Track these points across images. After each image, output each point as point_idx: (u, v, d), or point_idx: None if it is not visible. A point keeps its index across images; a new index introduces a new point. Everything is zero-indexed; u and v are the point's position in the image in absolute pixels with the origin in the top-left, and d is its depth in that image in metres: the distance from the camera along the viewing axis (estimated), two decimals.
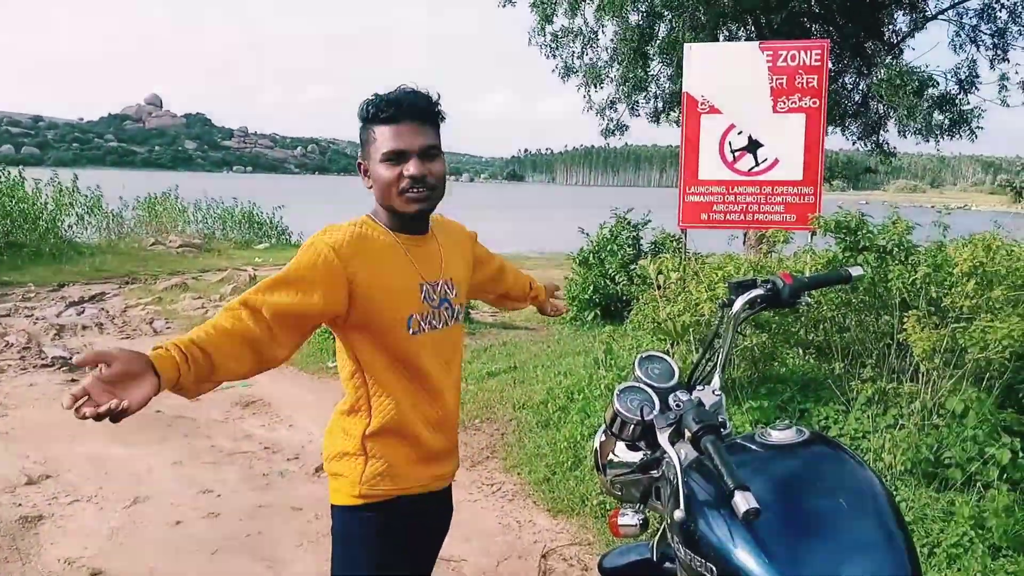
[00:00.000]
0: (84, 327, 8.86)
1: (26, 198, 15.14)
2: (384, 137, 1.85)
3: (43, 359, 7.26)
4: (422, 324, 1.93)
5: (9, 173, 15.47)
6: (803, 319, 4.90)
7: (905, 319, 4.12)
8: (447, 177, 1.96)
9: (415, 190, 1.86)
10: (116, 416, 1.44)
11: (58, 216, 16.10)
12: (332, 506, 2.00)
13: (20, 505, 4.21)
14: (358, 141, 1.95)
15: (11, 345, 7.71)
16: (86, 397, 1.43)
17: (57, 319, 9.22)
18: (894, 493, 3.65)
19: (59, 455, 4.93)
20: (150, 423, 5.60)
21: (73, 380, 6.67)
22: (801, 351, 5.20)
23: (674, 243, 5.95)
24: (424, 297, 1.93)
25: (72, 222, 16.90)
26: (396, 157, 1.84)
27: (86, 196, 17.36)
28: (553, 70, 13.34)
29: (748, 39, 11.79)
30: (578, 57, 13.19)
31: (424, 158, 1.86)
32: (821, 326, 4.94)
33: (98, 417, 1.43)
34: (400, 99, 1.85)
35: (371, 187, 1.92)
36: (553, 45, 13.19)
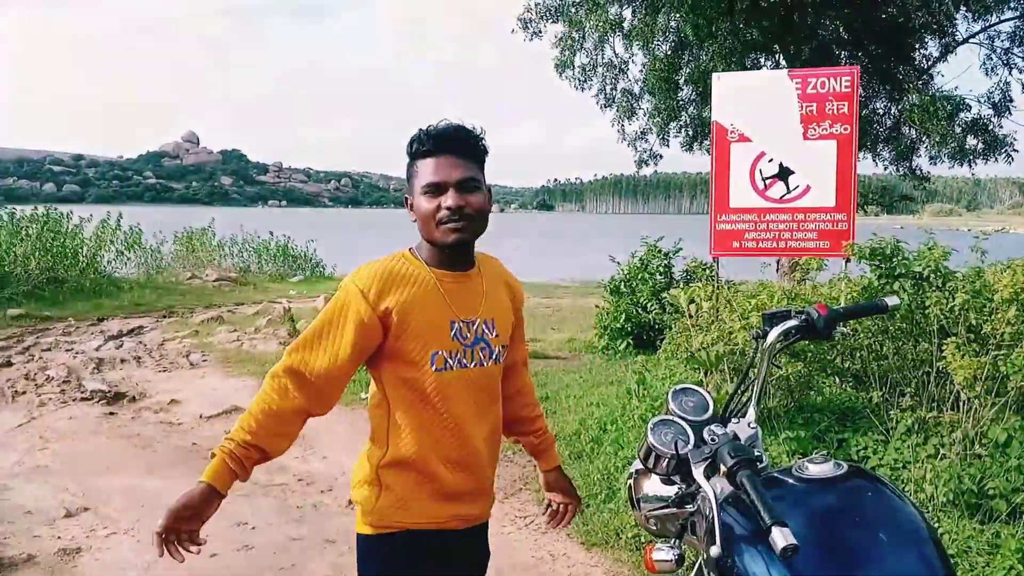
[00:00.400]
0: (123, 360, 9.00)
1: (69, 234, 15.54)
2: (425, 170, 1.89)
3: (83, 392, 7.37)
4: (449, 362, 1.91)
5: (55, 211, 15.91)
6: (839, 347, 4.83)
7: (944, 346, 4.05)
8: (488, 211, 1.96)
9: (453, 221, 1.86)
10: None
11: (98, 252, 16.48)
12: (357, 535, 2.00)
13: (59, 538, 4.26)
14: (404, 177, 1.99)
15: (52, 379, 7.85)
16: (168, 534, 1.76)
17: (96, 353, 9.38)
18: (936, 526, 3.56)
19: (97, 488, 4.99)
20: (185, 456, 5.66)
21: (112, 414, 6.77)
22: (838, 380, 5.12)
23: (706, 271, 5.91)
24: (455, 335, 1.91)
25: (112, 258, 17.29)
26: (435, 189, 1.87)
27: (126, 232, 17.77)
28: (594, 97, 13.42)
29: (776, 68, 11.79)
30: (611, 87, 13.27)
31: (462, 190, 1.87)
32: (858, 354, 4.87)
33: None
34: (440, 133, 1.89)
35: (415, 220, 1.94)
36: (582, 78, 13.28)
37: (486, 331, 1.98)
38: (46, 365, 8.50)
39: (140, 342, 10.22)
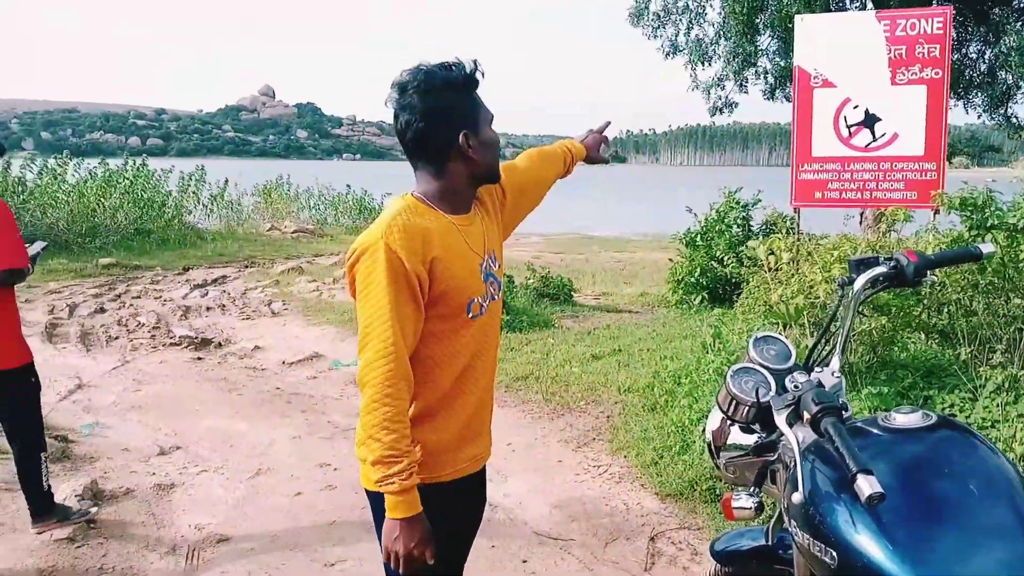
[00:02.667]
0: (208, 308, 9.34)
1: (155, 186, 16.13)
2: (480, 103, 1.88)
3: (172, 338, 7.70)
4: (483, 305, 1.89)
5: (135, 163, 16.50)
6: (925, 302, 4.67)
7: None
8: None
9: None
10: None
11: (182, 204, 17.07)
12: (365, 490, 1.89)
13: (154, 474, 4.50)
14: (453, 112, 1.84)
15: (143, 325, 8.22)
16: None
17: (183, 301, 9.76)
18: None
19: (188, 428, 5.23)
20: (270, 399, 5.88)
21: (199, 359, 7.06)
22: (923, 335, 4.97)
23: (786, 223, 5.78)
24: (482, 277, 1.90)
25: (195, 209, 17.90)
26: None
27: (208, 185, 18.35)
28: (657, 48, 13.08)
29: (862, 11, 11.25)
30: (684, 34, 12.88)
31: None
32: (945, 309, 4.71)
33: None
34: (474, 67, 1.85)
35: (472, 156, 1.84)
36: (655, 24, 12.93)
37: (491, 265, 1.95)
38: (137, 312, 8.89)
39: (224, 291, 10.58)
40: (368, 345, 1.72)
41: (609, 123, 2.56)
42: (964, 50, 12.04)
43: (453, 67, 1.81)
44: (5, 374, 3.57)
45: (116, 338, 7.74)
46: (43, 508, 3.69)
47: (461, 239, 1.86)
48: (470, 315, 1.86)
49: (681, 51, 12.95)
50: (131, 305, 9.32)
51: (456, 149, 1.83)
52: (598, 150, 2.48)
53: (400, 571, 1.76)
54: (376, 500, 1.89)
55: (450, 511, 1.91)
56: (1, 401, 3.62)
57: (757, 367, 1.65)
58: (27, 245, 3.68)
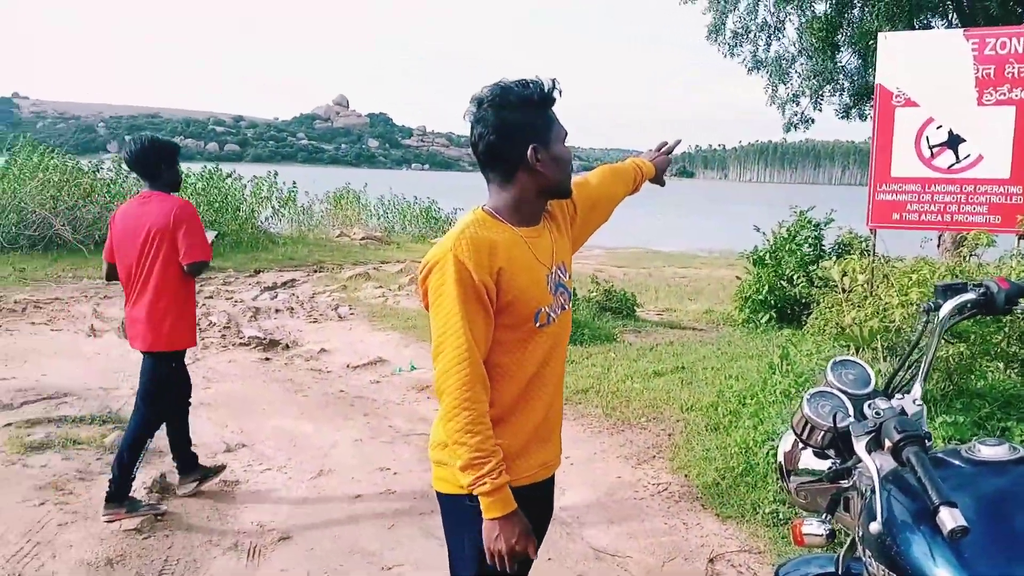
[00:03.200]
0: (277, 310, 9.56)
1: (230, 191, 16.62)
2: (556, 121, 1.93)
3: (241, 338, 7.89)
4: (551, 315, 1.94)
5: (212, 168, 17.05)
6: (1007, 330, 4.49)
7: None
8: None
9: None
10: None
11: (256, 208, 17.52)
12: (437, 493, 1.99)
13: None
14: (524, 127, 1.89)
15: (214, 324, 8.44)
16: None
17: (253, 302, 10.00)
18: None
19: (253, 427, 5.34)
20: (334, 402, 5.97)
21: (267, 359, 7.21)
22: (1003, 365, 4.77)
23: (861, 244, 5.62)
24: (550, 288, 1.94)
25: (267, 214, 18.36)
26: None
27: (281, 191, 18.82)
28: (741, 61, 12.95)
29: (949, 29, 10.93)
30: (763, 51, 12.73)
31: None
32: None
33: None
34: (552, 85, 1.90)
35: (542, 170, 1.89)
36: (732, 43, 12.81)
37: (561, 275, 2.00)
38: (208, 311, 9.13)
39: (293, 294, 10.81)
40: (442, 354, 1.80)
41: (679, 141, 2.62)
42: None
43: (530, 84, 1.87)
44: (176, 355, 4.05)
45: None
46: (119, 494, 3.87)
47: (528, 251, 1.91)
48: (538, 324, 1.90)
49: (763, 66, 12.79)
50: (203, 305, 9.58)
51: (525, 163, 1.88)
52: (664, 172, 2.54)
53: (506, 570, 1.82)
54: (450, 504, 1.96)
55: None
56: (158, 374, 4.00)
57: (835, 391, 1.60)
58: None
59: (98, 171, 14.91)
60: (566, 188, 2.00)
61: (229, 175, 17.21)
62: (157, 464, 4.60)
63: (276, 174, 18.93)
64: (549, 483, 2.10)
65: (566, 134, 1.95)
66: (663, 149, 2.54)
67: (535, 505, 2.01)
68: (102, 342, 7.55)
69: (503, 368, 1.89)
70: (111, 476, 3.88)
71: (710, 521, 4.02)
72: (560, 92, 1.92)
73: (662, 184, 2.58)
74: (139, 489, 4.10)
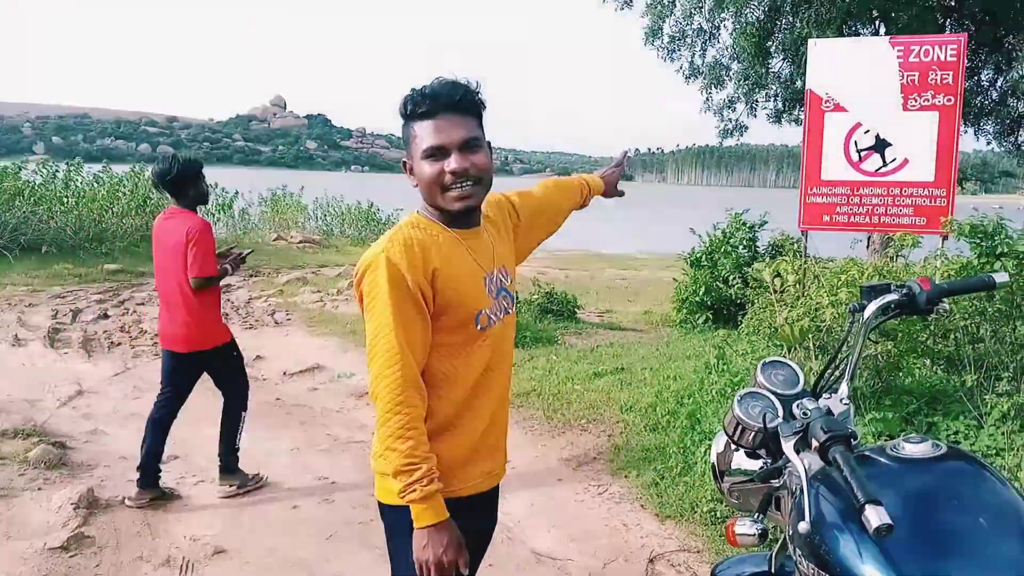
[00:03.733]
0: None
1: (161, 194, 16.16)
2: (424, 133, 1.80)
3: None
4: (491, 318, 1.90)
5: (144, 169, 16.57)
6: (932, 328, 4.64)
7: None
8: (492, 169, 1.91)
9: (458, 186, 1.80)
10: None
11: None
12: (379, 503, 1.94)
13: None
14: (403, 140, 1.90)
15: (145, 332, 8.21)
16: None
17: None
18: None
19: (187, 437, 5.18)
20: (270, 410, 5.85)
21: None
22: (929, 362, 4.93)
23: (793, 245, 5.76)
24: (488, 290, 1.90)
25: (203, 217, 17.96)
26: (437, 153, 1.79)
27: (219, 195, 18.40)
28: (678, 71, 13.12)
29: (875, 36, 11.27)
30: (699, 57, 12.94)
31: (465, 151, 1.80)
32: (952, 336, 4.67)
33: None
34: (437, 92, 1.80)
35: (416, 185, 1.87)
36: (671, 47, 12.99)
37: (503, 279, 1.97)
38: (140, 319, 8.88)
39: (228, 299, 10.56)
40: (375, 357, 1.77)
41: (627, 153, 2.65)
42: (976, 77, 12.06)
43: (409, 94, 1.83)
44: (214, 351, 4.34)
45: (118, 344, 7.73)
46: (231, 465, 4.37)
47: (465, 252, 1.87)
48: (479, 327, 1.87)
49: (700, 74, 12.99)
50: (135, 312, 9.31)
51: (410, 174, 1.88)
52: (616, 186, 2.55)
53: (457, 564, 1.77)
54: (391, 515, 1.92)
55: (462, 528, 1.88)
56: (214, 369, 4.43)
57: (765, 392, 1.62)
58: (236, 251, 4.79)
59: (20, 171, 14.33)
60: (439, 206, 1.85)
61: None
62: (84, 478, 4.45)
63: (216, 184, 18.54)
64: (493, 493, 2.07)
65: (438, 149, 1.79)
66: (613, 163, 2.57)
67: (477, 515, 1.99)
68: (26, 352, 7.27)
69: (445, 373, 1.86)
70: (219, 453, 4.39)
71: (650, 521, 4.05)
72: (422, 101, 1.80)
73: (621, 195, 2.59)
74: (65, 505, 3.95)
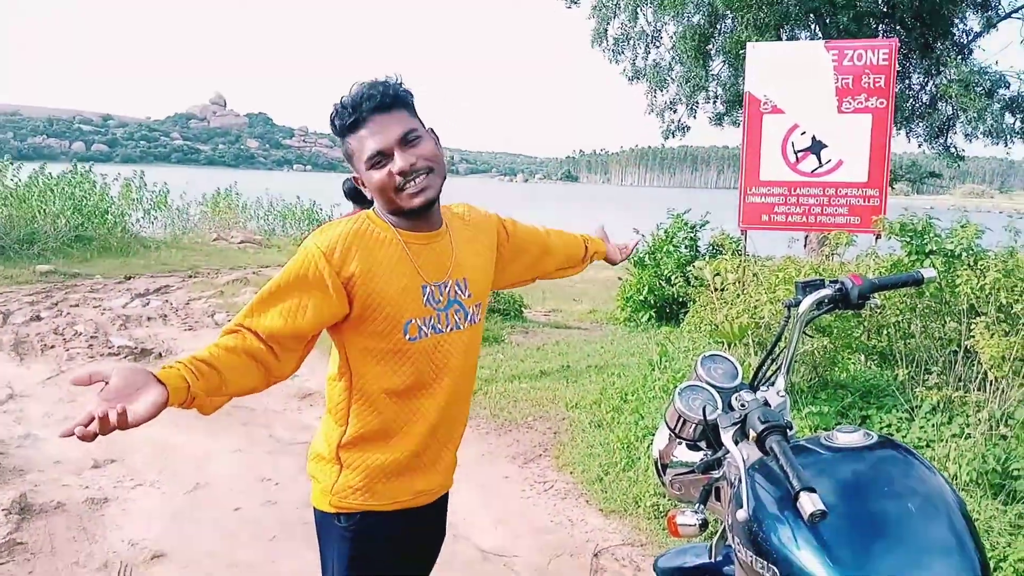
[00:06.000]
0: (149, 318, 9.11)
1: (98, 193, 15.74)
2: (360, 143, 1.74)
3: (110, 348, 7.48)
4: (423, 329, 1.79)
5: (80, 169, 16.13)
6: (865, 324, 4.78)
7: (973, 325, 4.00)
8: (442, 156, 1.82)
9: (411, 182, 1.73)
10: (120, 424, 1.36)
11: (125, 211, 16.67)
12: (312, 506, 1.91)
13: (87, 488, 4.35)
14: (344, 152, 1.83)
15: (80, 334, 7.97)
16: (92, 421, 1.35)
17: (123, 310, 9.49)
18: None
19: (123, 440, 5.04)
20: None
21: None
22: (863, 357, 5.08)
23: (733, 245, 5.87)
24: (427, 299, 1.80)
25: (139, 217, 17.51)
26: (379, 157, 1.73)
27: (153, 192, 17.98)
28: (622, 72, 13.30)
29: (812, 40, 11.56)
30: (643, 59, 13.14)
31: (406, 146, 1.73)
32: (884, 331, 4.82)
33: (101, 431, 1.35)
34: (358, 98, 1.73)
35: (371, 197, 1.82)
36: (615, 49, 13.15)
37: (459, 292, 1.87)
38: (74, 320, 8.61)
39: (166, 301, 10.33)
40: (245, 313, 1.70)
41: (638, 241, 2.72)
42: (907, 81, 12.47)
43: (333, 111, 1.77)
44: None
45: (51, 347, 7.49)
46: None
47: (405, 256, 1.78)
48: (407, 337, 1.77)
49: (643, 76, 13.18)
50: (68, 314, 9.03)
51: (363, 188, 1.82)
52: (619, 256, 2.54)
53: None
54: (321, 520, 1.90)
55: (401, 539, 1.87)
56: None
57: (704, 385, 1.66)
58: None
59: None
60: (399, 210, 1.78)
61: (89, 173, 16.24)
62: (16, 483, 4.31)
63: (143, 174, 18.10)
64: (431, 509, 1.98)
65: (379, 154, 1.73)
66: (624, 250, 2.54)
67: (416, 531, 1.94)
68: None
69: (373, 377, 1.79)
70: None
71: (594, 516, 4.09)
72: (347, 113, 1.74)
73: (613, 264, 2.59)
74: None
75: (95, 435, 1.35)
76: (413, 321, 1.78)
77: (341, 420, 1.83)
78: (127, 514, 4.07)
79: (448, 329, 1.84)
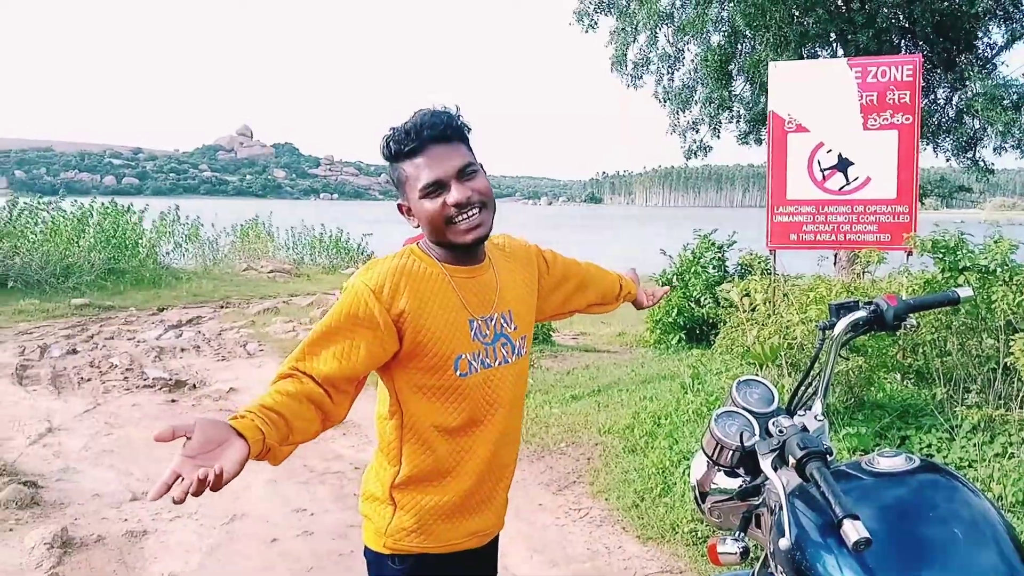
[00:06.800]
0: (183, 349, 9.23)
1: (130, 226, 16.05)
2: (416, 171, 1.71)
3: (145, 380, 7.58)
4: (473, 364, 1.78)
5: (115, 204, 16.47)
6: (901, 343, 4.73)
7: (1012, 342, 3.94)
8: (492, 192, 1.81)
9: (464, 217, 1.71)
10: (214, 485, 1.33)
11: (157, 243, 16.97)
12: (364, 545, 1.89)
13: (126, 520, 4.40)
14: (393, 180, 1.81)
15: (115, 367, 8.09)
16: (179, 479, 1.32)
17: (157, 341, 9.63)
18: None
19: (161, 473, 5.11)
20: None
21: (173, 401, 6.95)
22: (899, 376, 5.02)
23: (761, 264, 5.85)
24: (475, 335, 1.78)
25: (170, 249, 17.81)
26: (435, 188, 1.70)
27: (185, 225, 18.28)
28: (653, 95, 13.36)
29: (834, 58, 11.53)
30: (668, 81, 13.19)
31: (463, 179, 1.71)
32: (920, 350, 4.77)
33: (196, 493, 1.31)
34: (419, 125, 1.70)
35: (418, 226, 1.79)
36: (634, 74, 13.22)
37: (504, 325, 1.85)
38: (109, 353, 8.75)
39: (199, 331, 10.46)
40: (297, 356, 1.67)
41: (667, 290, 2.63)
42: (932, 96, 12.37)
43: (392, 132, 1.75)
44: None
45: (88, 380, 7.61)
46: None
47: (452, 291, 1.77)
48: (458, 373, 1.76)
49: (667, 98, 13.22)
50: (103, 346, 9.18)
51: (409, 216, 1.79)
52: (646, 302, 2.49)
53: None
54: (373, 560, 1.87)
55: None
56: None
57: (741, 411, 1.65)
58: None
59: None
60: (448, 243, 1.76)
61: (127, 209, 16.61)
62: (57, 517, 4.36)
63: (178, 207, 18.45)
64: (486, 549, 1.96)
65: (436, 184, 1.70)
66: (652, 297, 2.48)
67: (472, 571, 1.92)
68: None
69: (424, 414, 1.77)
70: None
71: (631, 544, 4.06)
72: (406, 139, 1.71)
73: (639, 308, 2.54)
74: (39, 544, 3.87)
75: (185, 496, 1.31)
76: (463, 356, 1.76)
77: (394, 460, 1.81)
78: (166, 547, 4.11)
79: (497, 363, 1.83)
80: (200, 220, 18.94)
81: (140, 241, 16.27)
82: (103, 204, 16.38)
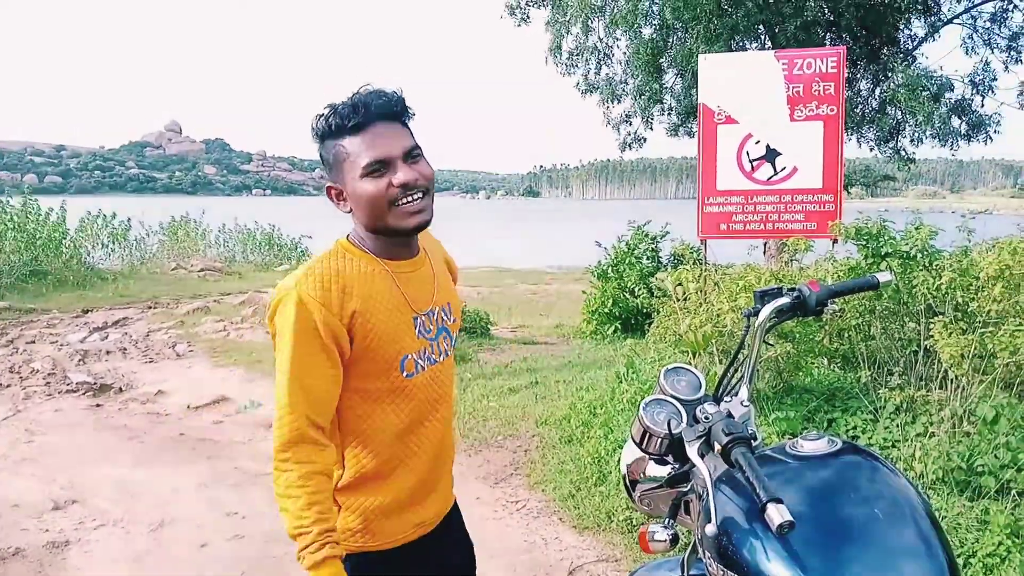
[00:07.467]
0: (108, 352, 8.92)
1: (52, 226, 15.44)
2: (359, 148, 1.61)
3: (68, 384, 7.31)
4: (419, 363, 1.73)
5: (35, 202, 15.81)
6: (827, 328, 4.84)
7: (931, 325, 4.06)
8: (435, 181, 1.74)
9: (409, 199, 1.63)
10: None
11: (81, 243, 16.37)
12: None
13: (47, 531, 4.23)
14: (324, 161, 1.70)
15: (36, 371, 7.78)
16: None
17: (81, 344, 9.29)
18: None
19: (85, 479, 4.95)
20: (173, 446, 5.63)
21: (98, 406, 6.72)
22: (826, 360, 5.14)
23: (693, 254, 5.92)
24: (419, 331, 1.73)
25: (94, 249, 17.21)
26: (379, 167, 1.61)
27: (111, 225, 17.70)
28: (576, 86, 13.42)
29: (762, 51, 11.77)
30: (595, 73, 13.28)
31: (409, 160, 1.64)
32: (846, 335, 4.88)
33: None
34: (368, 101, 1.62)
35: (350, 211, 1.68)
36: (569, 64, 13.28)
37: (445, 318, 1.82)
38: (31, 357, 8.41)
39: (125, 333, 10.13)
40: (276, 405, 1.62)
41: None
42: (856, 87, 12.73)
43: (335, 106, 1.64)
44: None
45: (7, 386, 7.30)
46: None
47: (395, 289, 1.70)
48: (404, 374, 1.71)
49: (595, 89, 13.31)
50: (24, 351, 8.81)
51: (340, 200, 1.69)
52: None
53: None
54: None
55: (417, 570, 1.83)
56: None
57: (669, 399, 1.65)
58: None
59: None
60: (394, 228, 1.66)
61: (50, 210, 15.94)
62: None
63: (101, 211, 17.87)
64: (445, 526, 1.95)
65: (378, 163, 1.61)
66: None
67: (423, 558, 1.87)
68: None
69: (370, 421, 1.71)
70: None
71: (568, 534, 4.07)
72: (352, 113, 1.61)
73: None
74: None
75: None
76: (409, 357, 1.71)
77: (336, 465, 1.73)
78: (90, 557, 3.96)
79: (441, 358, 1.80)
80: (129, 224, 18.32)
81: (63, 241, 15.67)
82: (23, 203, 15.70)
